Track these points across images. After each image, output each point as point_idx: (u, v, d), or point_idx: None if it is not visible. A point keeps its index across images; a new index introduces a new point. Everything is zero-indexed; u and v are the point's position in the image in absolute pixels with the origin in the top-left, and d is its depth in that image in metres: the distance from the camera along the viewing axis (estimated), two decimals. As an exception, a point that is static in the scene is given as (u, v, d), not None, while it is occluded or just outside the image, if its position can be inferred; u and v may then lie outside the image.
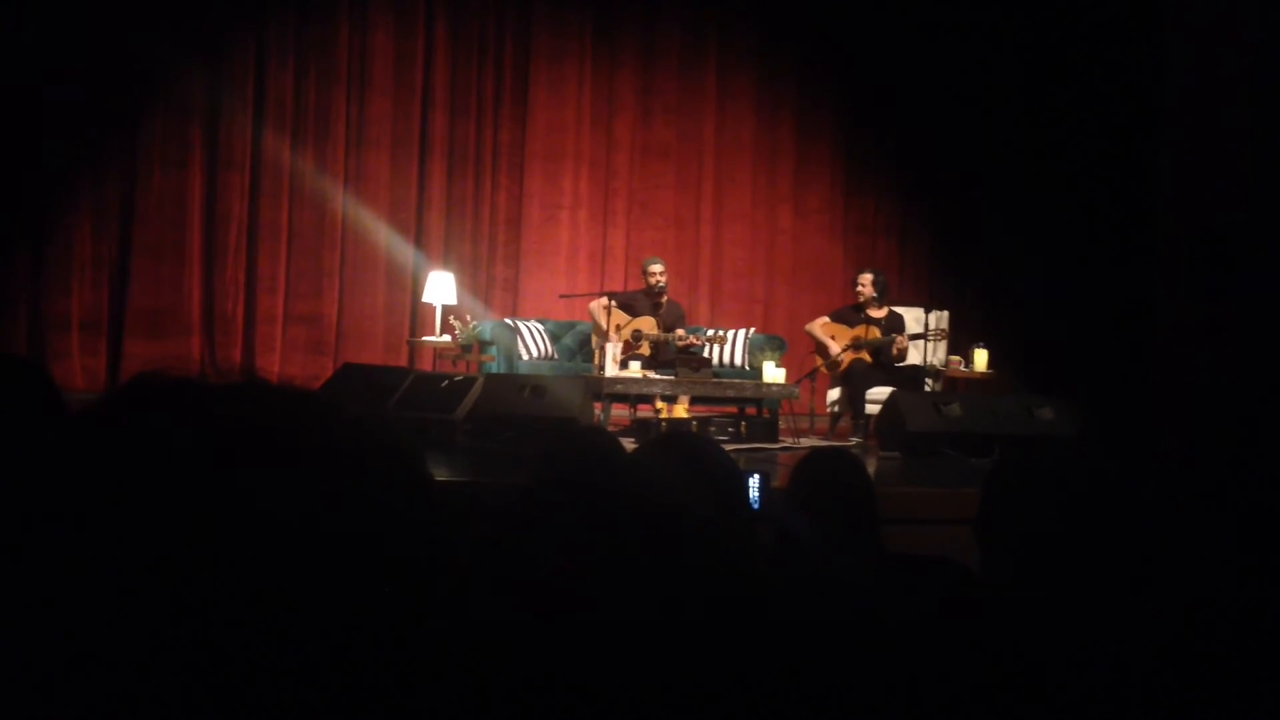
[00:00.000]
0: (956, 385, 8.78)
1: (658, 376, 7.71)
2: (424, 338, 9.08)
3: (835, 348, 8.22)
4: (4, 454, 1.38)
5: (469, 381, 6.92)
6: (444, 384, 7.00)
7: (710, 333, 8.70)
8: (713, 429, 7.53)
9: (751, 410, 7.99)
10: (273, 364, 9.34)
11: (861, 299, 8.38)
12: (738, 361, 9.08)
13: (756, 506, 2.74)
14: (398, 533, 0.69)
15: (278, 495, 0.65)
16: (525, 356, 8.67)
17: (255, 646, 0.63)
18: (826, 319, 8.50)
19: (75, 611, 0.63)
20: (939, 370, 8.56)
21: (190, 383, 0.71)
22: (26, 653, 0.63)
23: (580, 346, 9.12)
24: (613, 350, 7.70)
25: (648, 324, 8.40)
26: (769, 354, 8.29)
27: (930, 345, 8.43)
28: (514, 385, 7.03)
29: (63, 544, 0.64)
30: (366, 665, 0.67)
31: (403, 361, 9.52)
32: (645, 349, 8.30)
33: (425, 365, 9.34)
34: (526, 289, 10.11)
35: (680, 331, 8.34)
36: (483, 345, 8.57)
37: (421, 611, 0.70)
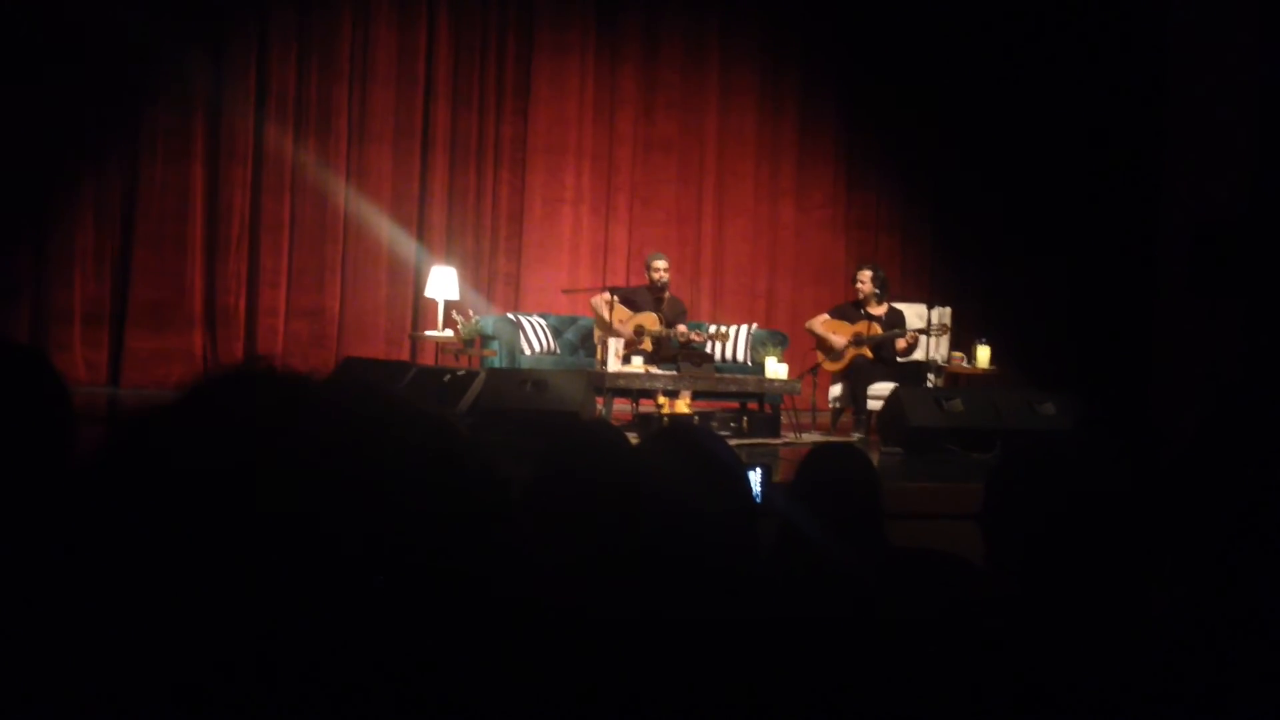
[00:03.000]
0: (958, 381, 8.77)
1: (660, 372, 7.71)
2: (426, 332, 9.08)
3: (839, 340, 8.22)
4: (10, 442, 1.38)
5: (471, 376, 6.92)
6: (446, 378, 7.00)
7: (713, 328, 8.70)
8: (715, 424, 7.53)
9: (754, 405, 7.98)
10: (274, 358, 9.33)
11: (861, 296, 8.38)
12: (740, 357, 9.07)
13: (758, 500, 2.73)
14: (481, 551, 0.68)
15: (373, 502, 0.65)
16: (527, 351, 8.67)
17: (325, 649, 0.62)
18: (827, 316, 8.50)
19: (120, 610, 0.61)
20: (941, 366, 8.56)
21: (291, 378, 0.70)
22: (49, 658, 0.62)
23: (582, 341, 9.11)
24: (615, 345, 7.70)
25: (650, 319, 8.40)
26: (771, 349, 8.29)
27: (932, 341, 8.43)
28: (516, 380, 7.03)
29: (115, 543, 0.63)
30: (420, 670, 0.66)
31: (404, 356, 9.52)
32: (647, 344, 8.30)
33: (427, 360, 9.34)
34: (529, 284, 10.10)
35: (682, 327, 8.34)
36: (485, 340, 8.56)
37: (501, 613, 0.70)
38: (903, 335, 8.13)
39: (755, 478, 3.24)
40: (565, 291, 9.43)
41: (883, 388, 7.71)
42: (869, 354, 8.18)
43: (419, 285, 9.51)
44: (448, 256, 9.61)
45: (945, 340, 8.62)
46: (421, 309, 9.66)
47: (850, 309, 8.44)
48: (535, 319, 9.01)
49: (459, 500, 0.68)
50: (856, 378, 8.03)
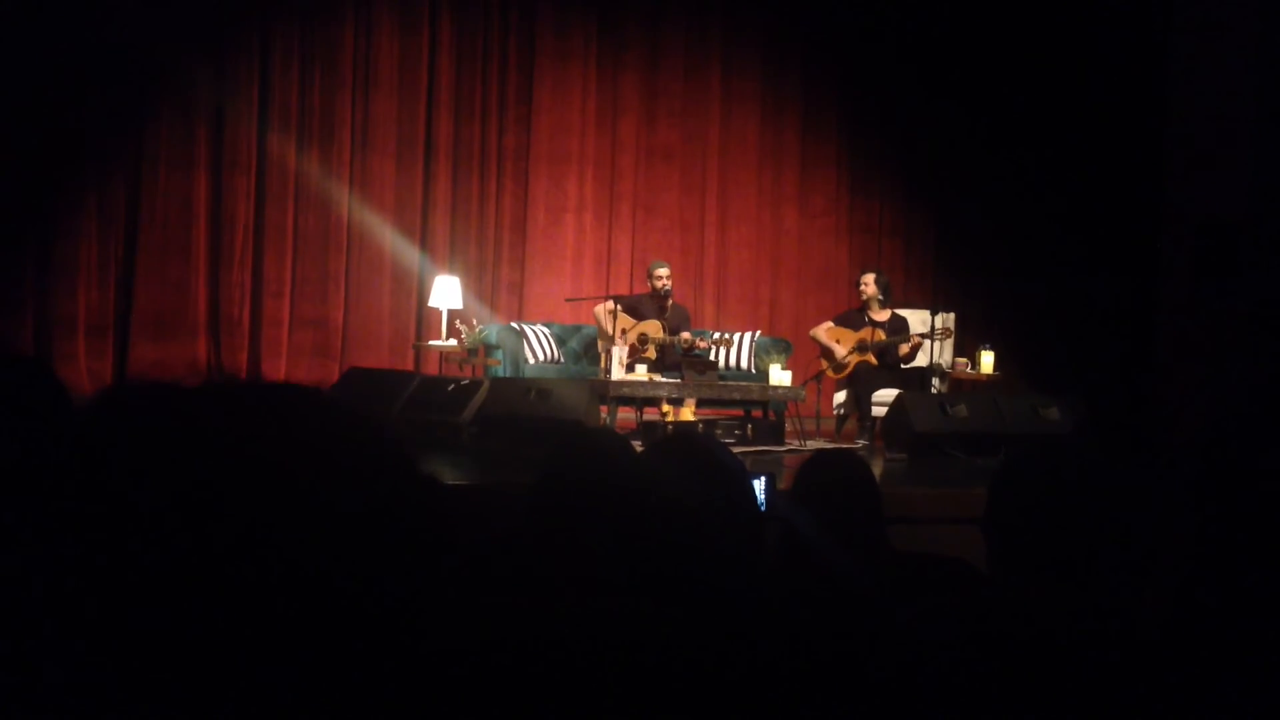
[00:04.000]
0: (962, 386, 8.77)
1: (663, 379, 7.70)
2: (430, 342, 9.09)
3: (841, 350, 8.21)
4: (10, 454, 1.38)
5: (475, 385, 6.94)
6: (450, 388, 7.02)
7: (716, 335, 8.70)
8: (719, 431, 7.52)
9: (758, 413, 7.98)
10: (279, 368, 9.35)
11: (864, 299, 8.38)
12: (744, 364, 9.07)
13: (762, 508, 2.73)
14: (390, 531, 0.68)
15: (262, 496, 0.65)
16: (531, 360, 8.67)
17: (255, 642, 0.63)
18: (830, 324, 8.49)
19: (70, 613, 0.62)
20: (945, 371, 8.55)
21: (168, 387, 0.71)
22: (22, 654, 0.62)
23: (586, 350, 9.11)
24: (618, 354, 7.70)
25: (653, 327, 8.40)
26: (775, 356, 8.29)
27: (936, 346, 8.43)
28: (520, 389, 7.04)
29: (64, 545, 0.64)
30: (361, 660, 0.66)
31: (409, 366, 9.52)
32: (651, 352, 8.30)
33: (431, 369, 9.34)
34: (532, 292, 10.11)
35: (686, 335, 8.34)
36: (488, 349, 8.57)
37: (420, 608, 0.69)
38: (906, 341, 8.14)
39: (759, 485, 3.24)
40: (569, 300, 9.43)
41: (887, 394, 7.71)
42: (873, 360, 8.17)
43: (423, 295, 9.52)
44: (451, 266, 9.62)
45: (949, 345, 8.62)
46: (425, 318, 9.66)
47: (854, 315, 8.44)
48: (539, 328, 9.02)
49: (372, 499, 0.69)
50: (860, 384, 8.02)
